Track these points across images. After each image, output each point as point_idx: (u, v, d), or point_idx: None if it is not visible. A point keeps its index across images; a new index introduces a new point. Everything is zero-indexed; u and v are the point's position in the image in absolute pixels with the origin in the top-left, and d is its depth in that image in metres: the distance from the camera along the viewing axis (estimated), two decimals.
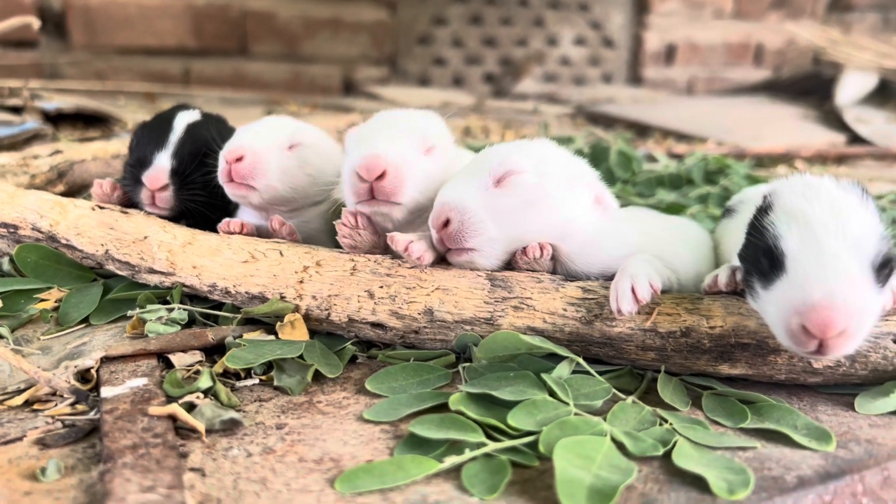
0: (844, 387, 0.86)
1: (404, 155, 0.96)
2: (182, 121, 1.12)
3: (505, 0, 5.14)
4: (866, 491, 0.69)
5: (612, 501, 0.62)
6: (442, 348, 0.92)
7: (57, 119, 2.27)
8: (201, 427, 0.74)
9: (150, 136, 1.11)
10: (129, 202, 1.12)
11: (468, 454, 0.69)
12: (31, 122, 1.94)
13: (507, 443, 0.71)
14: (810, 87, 4.15)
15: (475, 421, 0.74)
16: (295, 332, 0.95)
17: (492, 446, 0.70)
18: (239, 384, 0.87)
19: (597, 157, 2.17)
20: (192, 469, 0.68)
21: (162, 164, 1.08)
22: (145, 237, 1.03)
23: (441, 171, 0.99)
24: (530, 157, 0.95)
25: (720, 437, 0.74)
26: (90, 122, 2.53)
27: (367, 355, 0.94)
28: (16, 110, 2.11)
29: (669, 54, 5.51)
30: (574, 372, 0.85)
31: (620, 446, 0.71)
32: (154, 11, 4.10)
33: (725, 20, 5.71)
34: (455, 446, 0.71)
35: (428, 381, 0.86)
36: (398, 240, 0.92)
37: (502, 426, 0.73)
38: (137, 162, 1.10)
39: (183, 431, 0.75)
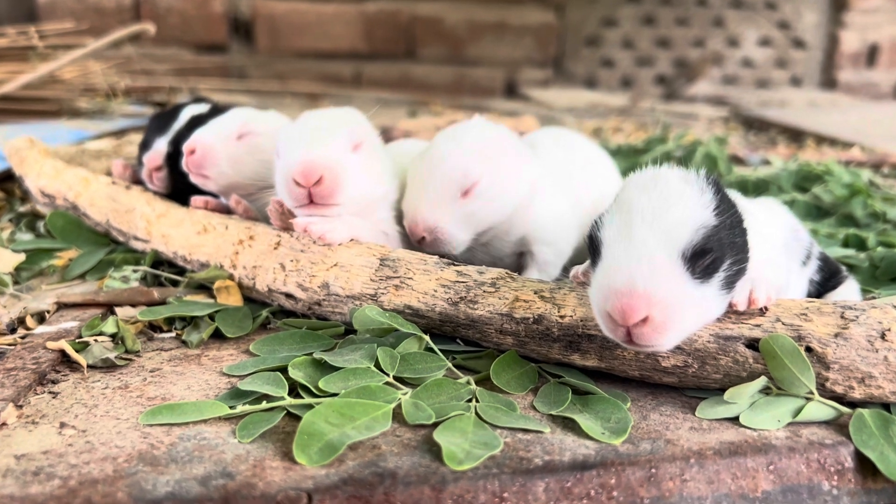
0: (707, 391, 0.83)
1: (337, 157, 1.01)
2: (188, 112, 1.29)
3: (682, 0, 4.97)
4: (620, 484, 0.67)
5: (335, 454, 0.67)
6: (341, 321, 1.00)
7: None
8: (83, 361, 0.88)
9: (157, 123, 1.29)
10: (139, 180, 1.31)
11: (259, 406, 0.77)
12: None
13: (305, 400, 0.78)
14: None
15: (293, 381, 0.81)
16: (230, 298, 1.07)
17: (287, 402, 0.77)
18: (158, 335, 1.00)
19: (686, 158, 2.10)
20: (50, 392, 0.82)
21: (159, 149, 1.25)
22: (133, 209, 1.20)
23: (370, 166, 1.06)
24: (484, 164, 1.03)
25: (514, 419, 0.76)
26: None
27: (281, 322, 1.04)
28: (161, 105, 2.45)
29: (871, 55, 5.02)
30: (427, 349, 0.89)
31: (398, 413, 0.75)
32: (330, 18, 4.46)
33: None
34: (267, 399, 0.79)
35: (309, 347, 0.93)
36: (296, 223, 1.01)
37: (311, 387, 0.80)
38: (143, 144, 1.28)
39: (76, 364, 0.89)
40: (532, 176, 1.10)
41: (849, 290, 1.03)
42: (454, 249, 1.04)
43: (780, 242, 0.97)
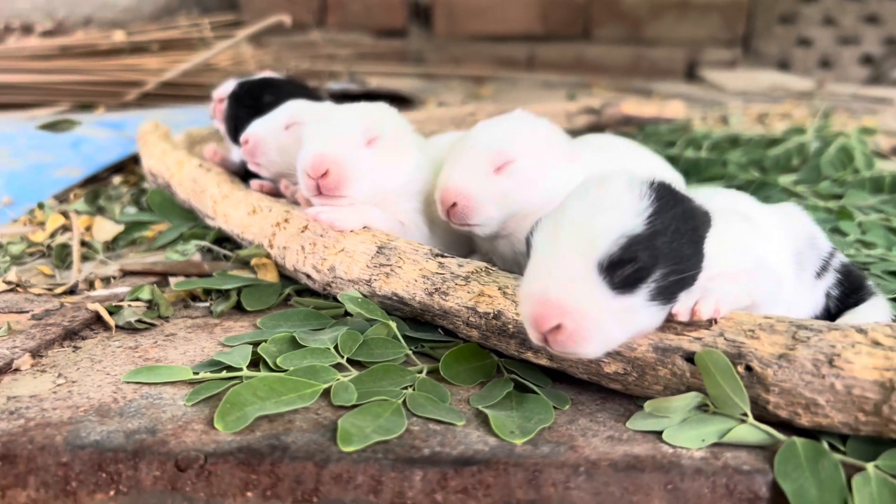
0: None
1: (345, 152, 1.08)
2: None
3: None
4: (498, 483, 0.68)
5: (246, 423, 0.74)
6: None
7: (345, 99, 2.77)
8: (111, 322, 1.01)
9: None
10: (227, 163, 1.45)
11: (219, 374, 0.85)
12: None
13: (258, 374, 0.85)
14: None
15: (261, 354, 0.89)
16: (268, 274, 1.18)
17: (244, 373, 0.85)
18: (195, 304, 1.13)
19: (819, 152, 1.93)
20: (74, 346, 0.96)
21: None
22: (206, 190, 1.34)
23: (386, 159, 1.11)
24: (520, 147, 1.05)
25: (437, 409, 0.78)
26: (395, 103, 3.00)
27: (294, 300, 1.12)
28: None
29: None
30: (394, 336, 0.93)
31: (327, 393, 0.80)
32: (506, 1, 4.50)
33: None
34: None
35: (310, 325, 1.01)
36: (308, 212, 1.08)
37: (270, 363, 0.87)
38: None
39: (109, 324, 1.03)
40: (573, 174, 1.09)
41: (874, 307, 0.92)
42: (483, 223, 1.05)
43: (789, 251, 0.90)
